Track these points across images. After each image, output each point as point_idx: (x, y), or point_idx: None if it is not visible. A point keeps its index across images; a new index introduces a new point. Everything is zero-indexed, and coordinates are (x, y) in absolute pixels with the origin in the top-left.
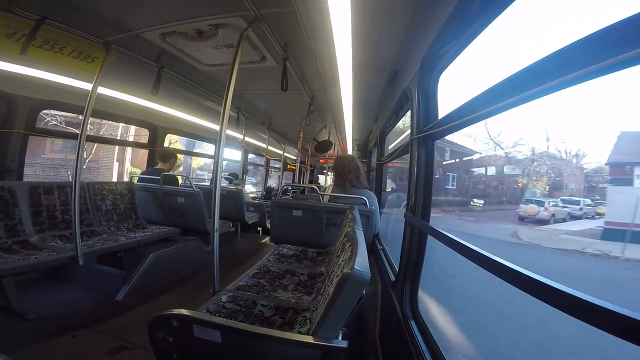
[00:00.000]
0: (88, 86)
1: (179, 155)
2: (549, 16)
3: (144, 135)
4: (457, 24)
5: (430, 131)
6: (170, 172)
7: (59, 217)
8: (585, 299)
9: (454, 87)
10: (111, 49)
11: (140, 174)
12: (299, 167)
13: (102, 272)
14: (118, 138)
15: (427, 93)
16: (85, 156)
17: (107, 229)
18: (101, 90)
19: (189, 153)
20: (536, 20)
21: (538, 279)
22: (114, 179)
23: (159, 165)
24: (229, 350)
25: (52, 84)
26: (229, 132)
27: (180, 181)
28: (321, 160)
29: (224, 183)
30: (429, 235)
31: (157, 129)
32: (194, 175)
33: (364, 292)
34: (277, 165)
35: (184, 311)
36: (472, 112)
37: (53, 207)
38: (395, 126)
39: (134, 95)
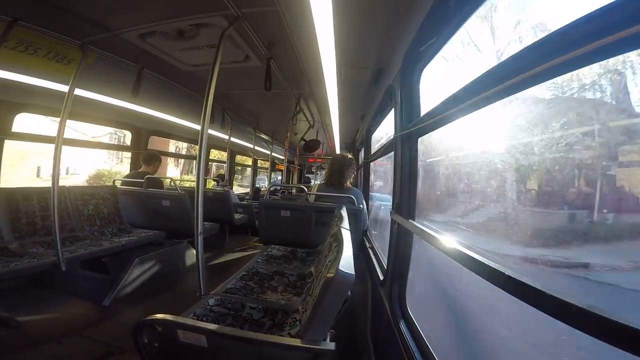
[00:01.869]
0: (66, 88)
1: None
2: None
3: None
4: (436, 21)
5: (413, 128)
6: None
7: (39, 223)
8: (576, 304)
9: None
10: (88, 50)
11: (124, 177)
12: (287, 166)
13: (87, 277)
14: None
15: (409, 90)
16: None
17: (91, 234)
18: (80, 92)
19: (171, 155)
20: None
21: (526, 282)
22: None
23: (143, 168)
24: (216, 354)
25: (28, 87)
26: (215, 133)
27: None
28: (310, 160)
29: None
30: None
31: (139, 131)
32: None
33: (349, 293)
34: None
35: (168, 316)
36: (455, 107)
37: (32, 213)
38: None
39: (114, 97)
